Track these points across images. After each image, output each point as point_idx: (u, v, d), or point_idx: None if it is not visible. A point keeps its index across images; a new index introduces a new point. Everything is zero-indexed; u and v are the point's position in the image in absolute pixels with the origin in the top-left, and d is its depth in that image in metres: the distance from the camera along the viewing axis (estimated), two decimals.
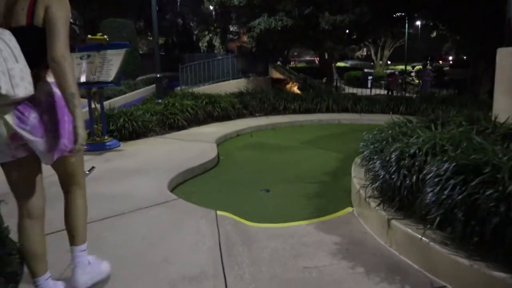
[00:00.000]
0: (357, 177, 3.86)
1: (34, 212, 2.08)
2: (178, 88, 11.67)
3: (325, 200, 4.16)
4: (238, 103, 9.98)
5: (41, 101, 1.93)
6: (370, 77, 21.92)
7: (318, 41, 12.38)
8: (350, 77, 25.20)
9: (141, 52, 24.83)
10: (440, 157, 2.70)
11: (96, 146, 6.47)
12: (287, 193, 4.48)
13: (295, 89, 14.66)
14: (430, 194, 2.54)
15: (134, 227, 3.25)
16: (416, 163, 2.86)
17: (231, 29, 27.98)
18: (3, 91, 1.71)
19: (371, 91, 17.20)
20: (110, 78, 6.61)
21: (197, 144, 6.72)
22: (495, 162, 2.37)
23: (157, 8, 9.63)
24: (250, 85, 12.11)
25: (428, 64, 25.67)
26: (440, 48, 40.03)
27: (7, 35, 1.79)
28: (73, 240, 2.20)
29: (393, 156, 3.08)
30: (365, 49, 47.73)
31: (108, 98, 11.72)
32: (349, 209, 3.76)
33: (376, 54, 34.67)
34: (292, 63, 38.03)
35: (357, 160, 4.52)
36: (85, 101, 6.42)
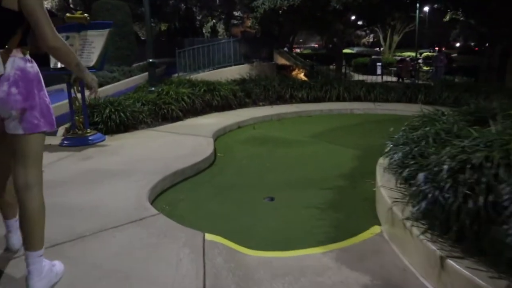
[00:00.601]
0: (386, 186, 3.01)
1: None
2: (176, 75, 10.80)
3: (344, 214, 3.31)
4: (240, 91, 9.10)
5: (11, 75, 1.95)
6: (379, 64, 20.98)
7: (327, 22, 11.40)
8: (357, 64, 24.21)
9: (143, 38, 23.91)
10: None
11: (77, 141, 5.65)
12: (296, 202, 3.65)
13: (302, 76, 13.76)
14: None
15: (91, 260, 2.42)
16: (483, 179, 2.01)
17: (235, 14, 26.94)
18: None
19: (382, 78, 16.28)
20: (92, 63, 5.78)
21: (191, 138, 5.88)
22: None
23: None
24: (254, 72, 11.21)
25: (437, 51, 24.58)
26: (447, 35, 38.96)
27: None
28: (28, 245, 1.99)
29: (445, 166, 2.22)
30: (371, 35, 46.44)
31: (100, 85, 10.91)
32: (376, 228, 2.93)
33: (385, 40, 33.44)
34: (298, 50, 37.02)
35: (382, 161, 3.66)
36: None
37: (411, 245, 2.35)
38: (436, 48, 27.03)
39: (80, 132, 5.88)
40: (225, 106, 8.57)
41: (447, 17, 20.44)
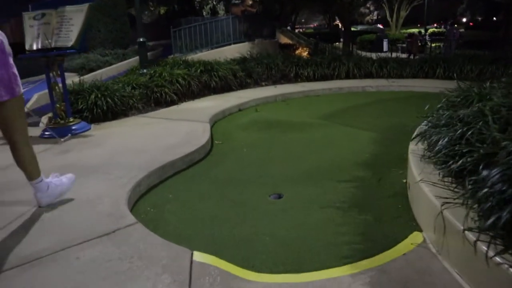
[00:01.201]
0: (429, 181, 2.31)
1: None
2: (171, 56, 10.05)
3: (371, 215, 2.63)
4: (241, 71, 8.35)
5: None
6: (385, 40, 20.02)
7: None
8: (363, 41, 23.21)
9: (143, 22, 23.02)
10: None
11: (59, 131, 4.96)
12: (309, 200, 2.97)
13: (306, 55, 12.97)
14: None
15: None
16: None
17: None
18: None
19: (391, 54, 15.41)
20: (71, 43, 5.08)
21: (185, 124, 5.19)
22: None
23: None
24: (255, 50, 10.42)
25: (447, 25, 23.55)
26: (454, 10, 37.80)
27: None
28: (27, 177, 2.64)
29: None
30: (375, 12, 45.07)
31: (91, 70, 10.19)
32: (417, 236, 2.25)
33: (391, 16, 32.18)
34: (300, 29, 36.02)
35: (414, 147, 2.95)
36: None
37: (479, 267, 1.66)
38: (448, 23, 25.90)
39: (62, 121, 5.22)
40: (224, 87, 7.85)
41: None
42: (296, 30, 29.32)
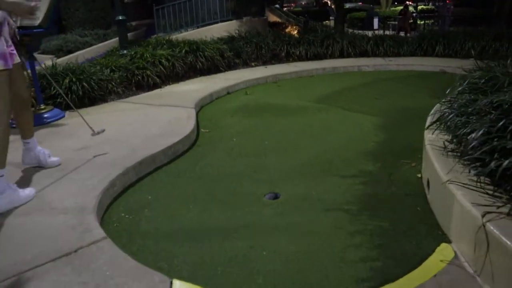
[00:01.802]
0: (459, 182, 1.90)
1: None
2: (154, 36, 9.44)
3: (387, 222, 2.21)
4: (228, 51, 7.80)
5: None
6: (376, 18, 19.43)
7: None
8: (353, 18, 22.57)
9: (125, 1, 22.05)
10: None
11: None
12: (310, 200, 2.55)
13: (295, 33, 12.43)
14: None
15: None
16: None
17: None
18: None
19: (384, 31, 14.92)
20: (38, 21, 4.55)
21: (169, 110, 4.71)
22: None
23: None
24: (243, 28, 9.83)
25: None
26: None
27: None
28: None
29: None
30: None
31: (69, 52, 9.54)
32: (447, 250, 1.85)
33: None
34: (288, 8, 35.15)
35: (432, 137, 2.53)
36: None
37: None
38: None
39: (32, 109, 4.70)
40: (211, 68, 7.32)
41: None
42: (285, 9, 28.55)
